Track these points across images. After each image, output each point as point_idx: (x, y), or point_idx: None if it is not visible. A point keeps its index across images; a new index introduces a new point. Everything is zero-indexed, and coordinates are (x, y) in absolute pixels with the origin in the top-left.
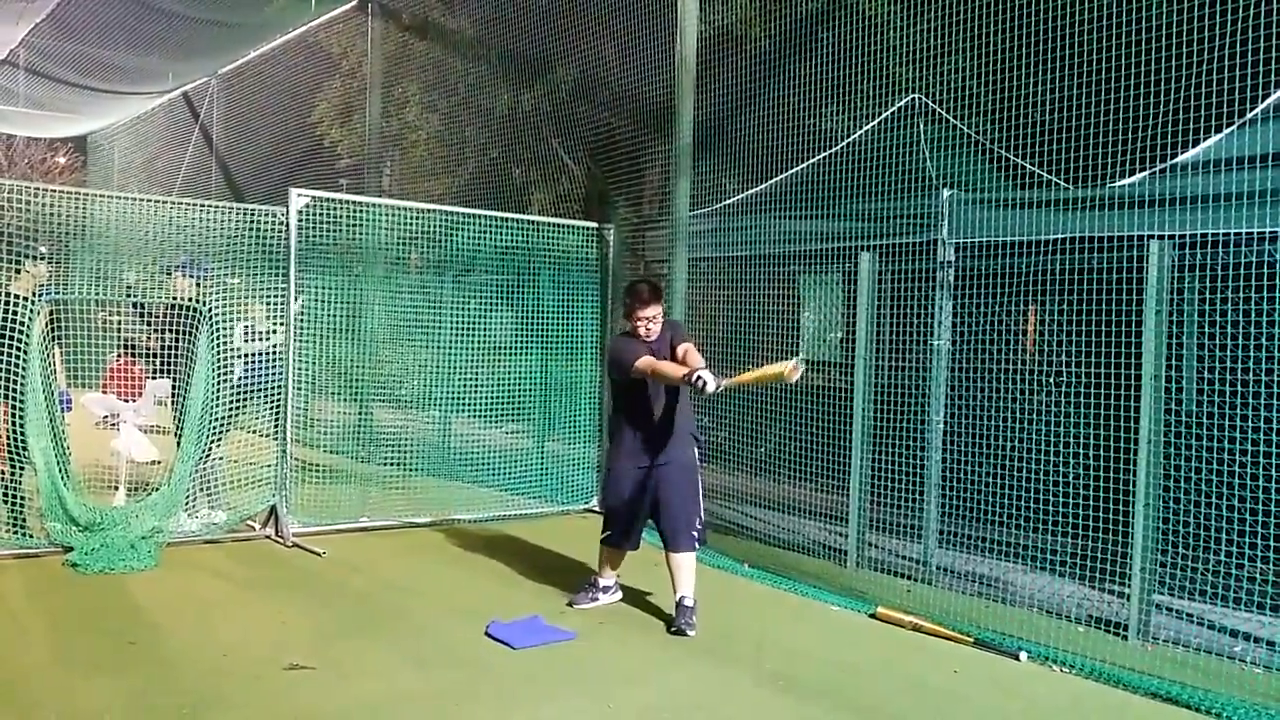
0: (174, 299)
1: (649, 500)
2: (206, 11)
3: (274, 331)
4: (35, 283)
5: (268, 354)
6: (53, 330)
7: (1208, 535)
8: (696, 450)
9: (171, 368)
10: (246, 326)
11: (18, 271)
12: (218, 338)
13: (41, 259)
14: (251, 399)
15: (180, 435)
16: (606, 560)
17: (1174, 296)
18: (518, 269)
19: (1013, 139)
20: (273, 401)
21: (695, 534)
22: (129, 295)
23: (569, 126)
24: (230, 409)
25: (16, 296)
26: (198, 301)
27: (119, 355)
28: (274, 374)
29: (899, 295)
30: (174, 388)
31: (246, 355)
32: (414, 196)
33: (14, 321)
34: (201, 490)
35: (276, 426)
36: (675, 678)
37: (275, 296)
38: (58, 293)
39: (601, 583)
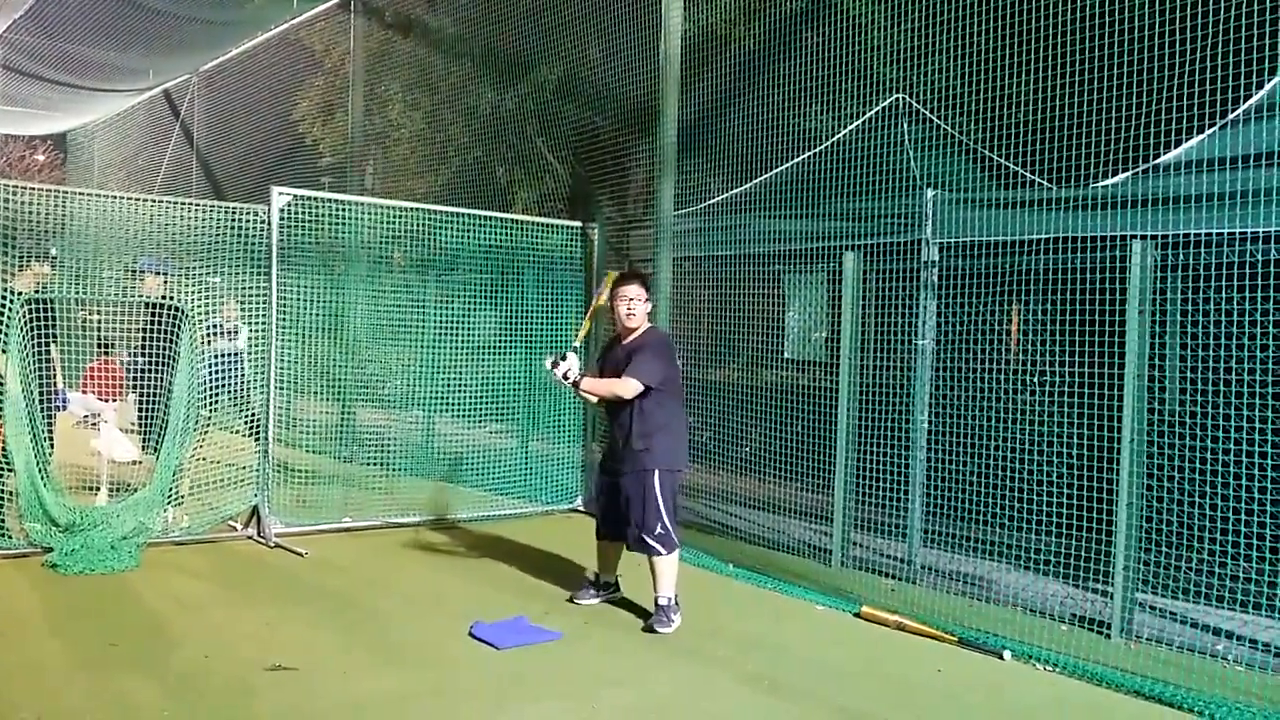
0: (148, 299)
1: (617, 501)
2: (188, 8)
3: (236, 332)
4: (38, 281)
5: (235, 354)
6: (50, 328)
7: (1190, 534)
8: (653, 459)
9: (148, 368)
10: (213, 325)
11: (23, 267)
12: (198, 338)
13: (50, 259)
14: (220, 399)
15: (160, 436)
16: (598, 555)
17: (1156, 296)
18: (501, 268)
19: (996, 139)
20: (242, 401)
21: (653, 541)
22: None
23: (553, 125)
24: (201, 409)
25: (14, 292)
26: (172, 299)
27: (98, 355)
28: (241, 373)
29: (883, 295)
30: (148, 388)
31: (217, 354)
32: (397, 195)
33: (6, 319)
34: (189, 492)
35: (253, 427)
36: (658, 678)
37: (257, 295)
38: (51, 292)
39: (602, 579)
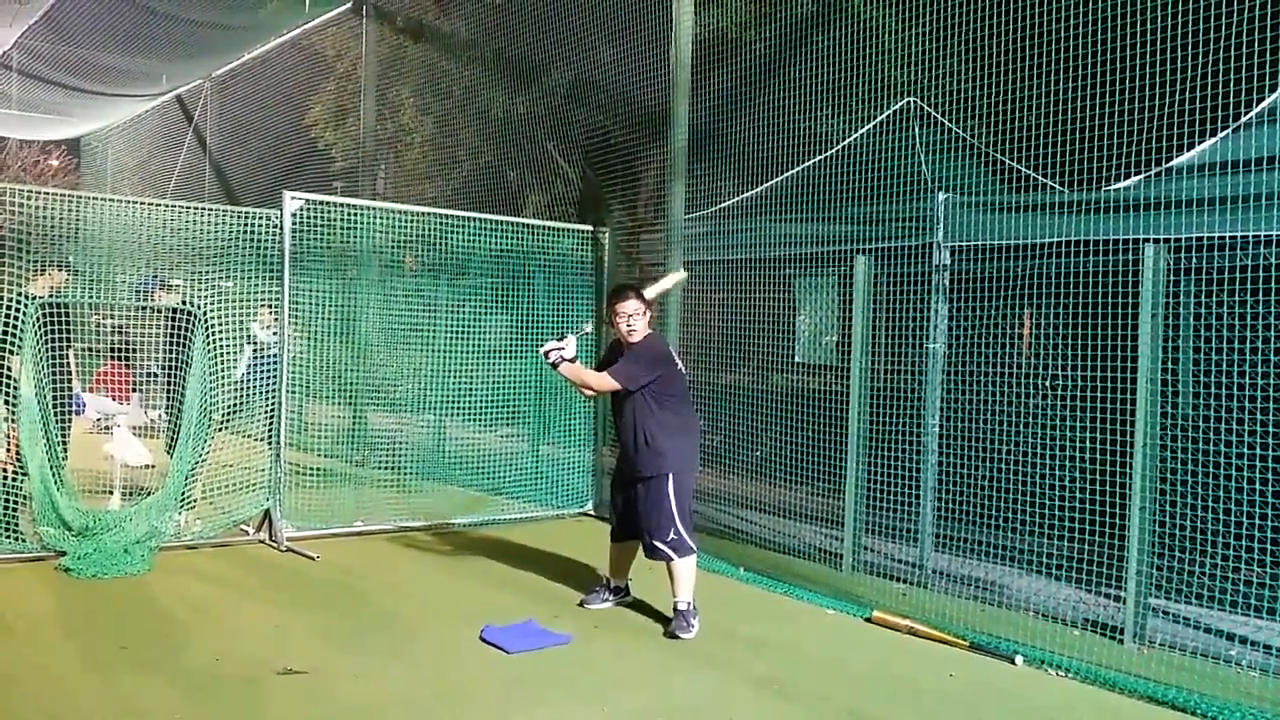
0: (161, 306)
1: (631, 504)
2: (201, 14)
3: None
4: (53, 285)
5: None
6: (65, 333)
7: (1203, 538)
8: (666, 463)
9: (169, 373)
10: (262, 323)
11: (40, 272)
12: (213, 342)
13: (66, 268)
14: (251, 399)
15: (173, 440)
16: (610, 558)
17: (1169, 300)
18: (512, 272)
19: (1008, 142)
20: (269, 404)
21: (665, 546)
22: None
23: (564, 129)
24: (231, 408)
25: (29, 296)
26: (192, 305)
27: (107, 359)
28: (271, 374)
29: (894, 298)
30: (172, 393)
31: (259, 346)
32: (408, 199)
33: (20, 323)
34: (202, 496)
35: (270, 430)
36: (670, 681)
37: (270, 300)
38: (66, 297)
39: (613, 583)
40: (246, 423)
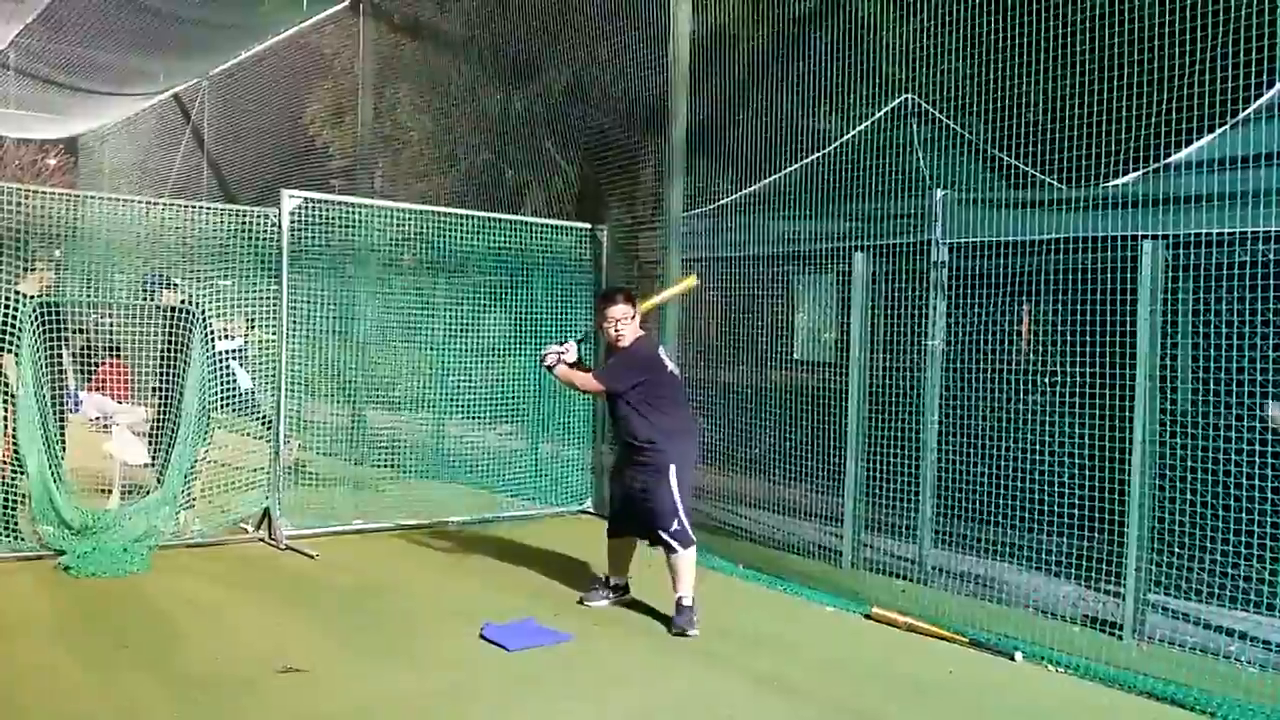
0: (162, 305)
1: (631, 501)
2: (198, 12)
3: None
4: (43, 284)
5: (233, 354)
6: (59, 331)
7: (1202, 534)
8: (667, 457)
9: (169, 373)
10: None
11: (30, 270)
12: (210, 341)
13: (52, 264)
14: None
15: (171, 441)
16: (609, 556)
17: (1167, 296)
18: (511, 270)
19: (1006, 139)
20: (236, 402)
21: (669, 537)
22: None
23: (562, 127)
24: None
25: (21, 294)
26: (186, 304)
27: (105, 357)
28: (231, 376)
29: (893, 296)
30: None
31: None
32: (406, 197)
33: (13, 321)
34: (201, 495)
35: (266, 429)
36: (669, 679)
37: (268, 298)
38: (58, 296)
39: (612, 581)
40: (245, 422)
